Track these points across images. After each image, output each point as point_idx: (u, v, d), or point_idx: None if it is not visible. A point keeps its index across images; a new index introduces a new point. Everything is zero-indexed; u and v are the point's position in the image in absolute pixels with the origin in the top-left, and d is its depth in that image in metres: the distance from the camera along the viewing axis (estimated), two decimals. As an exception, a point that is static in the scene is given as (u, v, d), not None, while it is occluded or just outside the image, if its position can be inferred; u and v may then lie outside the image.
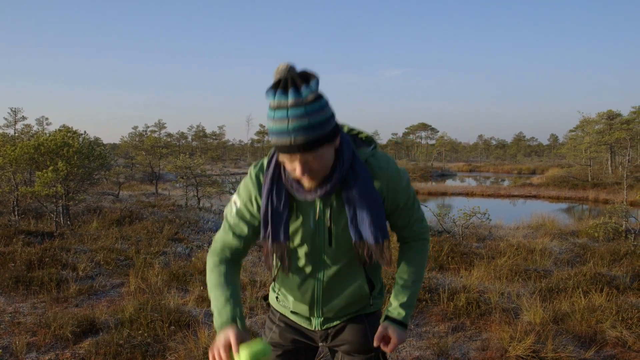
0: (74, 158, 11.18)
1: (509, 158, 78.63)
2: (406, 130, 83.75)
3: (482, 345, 4.42)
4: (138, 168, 27.41)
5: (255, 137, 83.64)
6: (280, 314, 1.90)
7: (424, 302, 5.48)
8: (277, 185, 1.58)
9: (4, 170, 11.72)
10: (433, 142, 74.17)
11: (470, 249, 8.55)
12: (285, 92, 1.35)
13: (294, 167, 1.44)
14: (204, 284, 6.01)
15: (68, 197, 11.17)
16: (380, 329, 1.69)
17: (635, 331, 4.55)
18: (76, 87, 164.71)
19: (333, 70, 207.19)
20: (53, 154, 11.10)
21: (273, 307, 1.94)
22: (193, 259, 7.62)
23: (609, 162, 36.83)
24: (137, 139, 46.24)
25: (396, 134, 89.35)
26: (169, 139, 63.85)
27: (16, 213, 11.32)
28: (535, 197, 26.84)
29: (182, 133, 72.42)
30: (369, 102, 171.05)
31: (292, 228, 1.64)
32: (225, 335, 1.50)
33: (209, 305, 5.49)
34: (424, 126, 75.24)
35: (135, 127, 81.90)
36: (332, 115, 1.44)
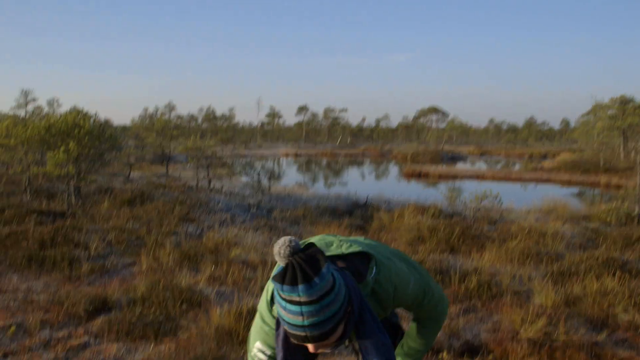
0: (85, 139, 11.22)
1: (520, 142, 78.00)
2: (416, 114, 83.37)
3: (493, 327, 4.42)
4: (148, 150, 27.44)
5: (266, 120, 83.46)
6: None
7: (434, 284, 5.48)
8: (290, 350, 1.53)
9: (16, 151, 11.81)
10: (444, 125, 73.48)
11: (481, 231, 8.52)
12: (295, 287, 1.26)
13: (306, 346, 1.40)
14: (215, 264, 6.05)
15: (79, 177, 11.24)
16: None
17: (648, 315, 4.53)
18: (94, 71, 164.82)
19: (339, 53, 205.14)
20: (64, 135, 11.14)
21: None
22: (204, 239, 7.65)
23: (621, 147, 36.37)
24: (147, 121, 46.26)
25: (407, 117, 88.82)
26: (178, 121, 63.86)
27: (28, 193, 11.42)
28: (546, 181, 26.61)
29: (192, 115, 72.42)
30: (379, 86, 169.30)
31: None
32: None
33: (221, 285, 5.48)
34: (434, 110, 74.65)
35: (145, 109, 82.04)
36: (345, 296, 1.36)
